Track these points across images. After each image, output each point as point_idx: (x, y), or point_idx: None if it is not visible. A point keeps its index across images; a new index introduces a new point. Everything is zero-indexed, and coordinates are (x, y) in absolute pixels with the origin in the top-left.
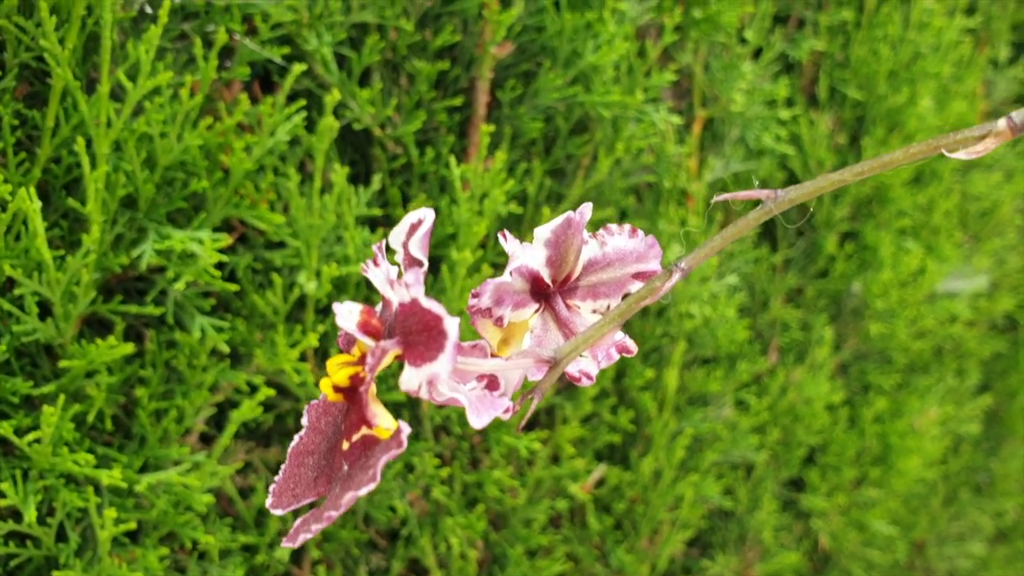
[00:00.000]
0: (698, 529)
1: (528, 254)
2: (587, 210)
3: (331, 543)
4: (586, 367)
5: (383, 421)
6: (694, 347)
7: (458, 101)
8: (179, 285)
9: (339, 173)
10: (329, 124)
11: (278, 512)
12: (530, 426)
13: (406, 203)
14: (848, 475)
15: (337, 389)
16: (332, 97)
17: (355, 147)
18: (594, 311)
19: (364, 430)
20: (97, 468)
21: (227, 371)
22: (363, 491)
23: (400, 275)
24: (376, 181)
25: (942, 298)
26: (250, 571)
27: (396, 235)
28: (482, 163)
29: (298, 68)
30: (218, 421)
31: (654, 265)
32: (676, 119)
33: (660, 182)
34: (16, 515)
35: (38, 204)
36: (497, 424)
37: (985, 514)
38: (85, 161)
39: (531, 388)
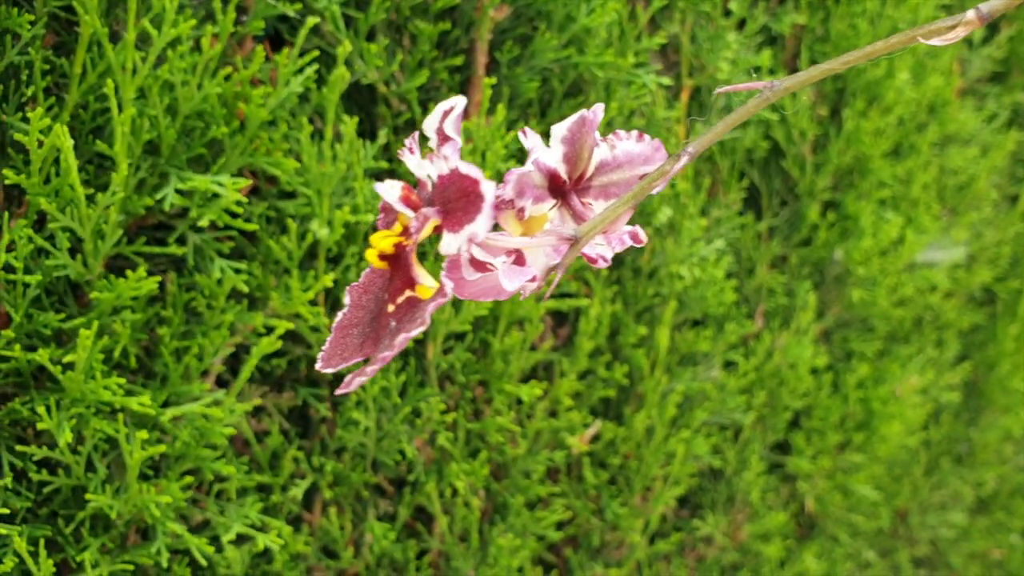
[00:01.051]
0: (689, 487)
1: (547, 149)
2: (599, 110)
3: (341, 486)
4: (602, 251)
5: (426, 280)
6: (684, 308)
7: (459, 61)
8: (203, 222)
9: (348, 125)
10: (341, 75)
11: (328, 370)
12: (528, 378)
13: None
14: (832, 439)
15: (382, 257)
16: (344, 48)
17: (359, 105)
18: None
19: (408, 292)
20: (127, 396)
21: (245, 313)
22: (415, 332)
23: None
24: (382, 136)
25: (921, 268)
26: (264, 511)
27: (430, 122)
28: (484, 118)
29: (312, 21)
30: (232, 366)
31: (659, 166)
32: (667, 80)
33: None
34: (49, 445)
35: (71, 142)
36: (499, 373)
37: (966, 484)
38: (113, 104)
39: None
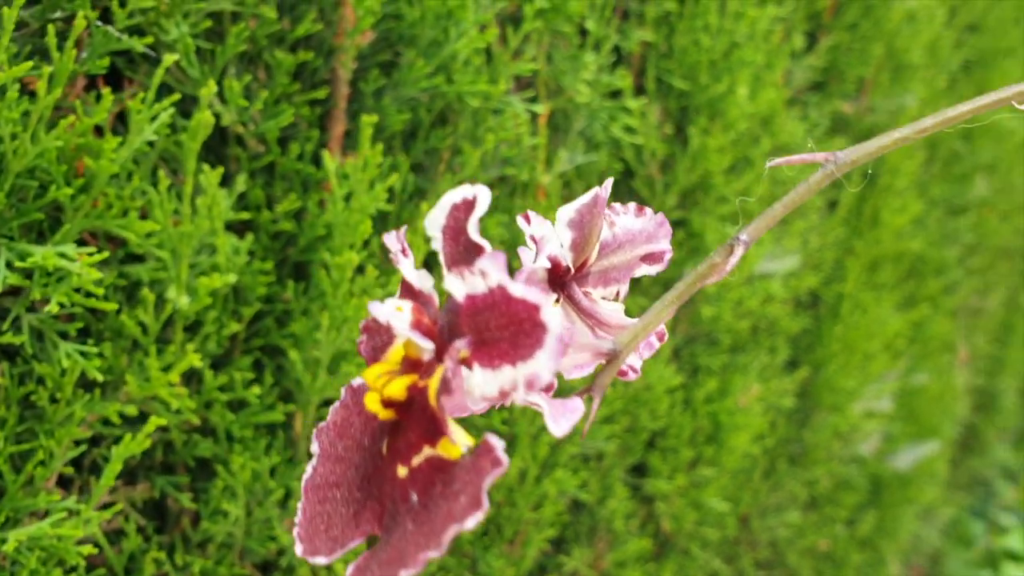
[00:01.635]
0: (560, 526)
1: (556, 238)
2: (608, 185)
3: None
4: (631, 360)
5: (458, 436)
6: None
7: (322, 94)
8: (51, 307)
9: (211, 175)
10: (204, 120)
11: (320, 561)
12: None
13: (270, 205)
14: (685, 456)
15: (388, 404)
16: (208, 89)
17: (208, 147)
18: (603, 298)
19: (427, 451)
20: None
21: (97, 402)
22: (469, 522)
23: (453, 264)
24: (241, 182)
25: (760, 279)
26: None
27: (435, 220)
28: (362, 157)
29: (170, 58)
30: (76, 461)
31: (664, 245)
32: (540, 108)
33: (517, 175)
34: None
35: None
36: None
37: (799, 483)
38: None
39: (581, 388)
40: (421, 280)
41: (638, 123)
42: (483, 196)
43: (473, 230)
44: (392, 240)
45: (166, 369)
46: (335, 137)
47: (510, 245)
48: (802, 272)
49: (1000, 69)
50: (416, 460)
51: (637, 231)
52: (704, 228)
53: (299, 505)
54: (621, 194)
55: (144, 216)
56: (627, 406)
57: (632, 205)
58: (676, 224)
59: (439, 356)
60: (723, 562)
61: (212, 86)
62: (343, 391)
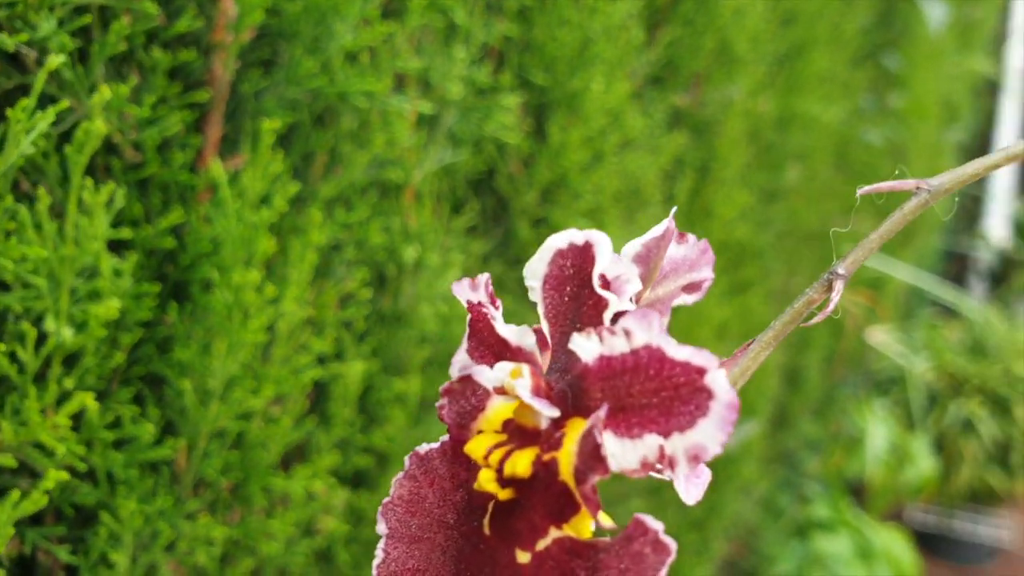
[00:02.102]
0: None
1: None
2: (673, 213)
3: None
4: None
5: (599, 515)
6: (435, 349)
7: (204, 96)
8: None
9: (101, 194)
10: (94, 130)
11: None
12: (287, 463)
13: (149, 219)
14: None
15: (508, 482)
16: (101, 95)
17: None
18: None
19: (555, 532)
20: None
21: None
22: None
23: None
24: (120, 197)
25: None
26: None
27: (535, 269)
28: (261, 165)
29: (56, 60)
30: None
31: (706, 273)
32: (426, 107)
33: (390, 177)
34: None
35: None
36: (260, 465)
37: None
38: None
39: None
40: (521, 337)
41: (513, 120)
42: (602, 243)
43: (598, 283)
44: (465, 289)
45: (46, 411)
46: (211, 143)
47: (390, 251)
48: None
49: (809, 60)
50: (542, 544)
51: (680, 259)
52: (563, 224)
53: None
54: (483, 193)
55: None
56: None
57: (669, 229)
58: (538, 222)
59: (558, 424)
60: None
61: (105, 91)
62: (407, 461)
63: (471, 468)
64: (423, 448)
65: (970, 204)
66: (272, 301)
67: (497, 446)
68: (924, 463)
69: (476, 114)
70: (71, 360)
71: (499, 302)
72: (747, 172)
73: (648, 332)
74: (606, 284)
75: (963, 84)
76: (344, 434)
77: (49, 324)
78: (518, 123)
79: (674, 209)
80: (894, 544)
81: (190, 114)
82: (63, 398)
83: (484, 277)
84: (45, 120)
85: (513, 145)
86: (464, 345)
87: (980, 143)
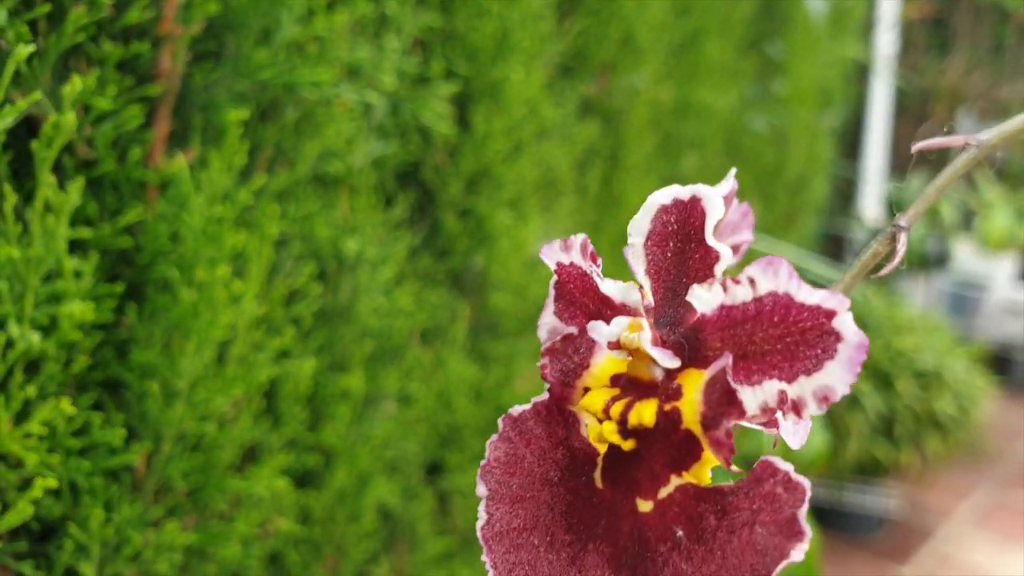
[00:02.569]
0: (378, 537)
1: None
2: (734, 174)
3: None
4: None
5: (723, 452)
6: (376, 344)
7: (157, 89)
8: None
9: (69, 193)
10: (64, 124)
11: None
12: (239, 465)
13: (103, 218)
14: (476, 448)
15: (632, 433)
16: (72, 87)
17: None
18: None
19: (676, 479)
20: None
21: None
22: (796, 554)
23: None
24: (75, 194)
25: (539, 263)
26: None
27: (638, 225)
28: (226, 158)
29: (24, 51)
30: None
31: (747, 235)
32: (373, 97)
33: (332, 170)
34: None
35: None
36: (220, 469)
37: None
38: None
39: None
40: (627, 293)
41: (445, 109)
42: (710, 196)
43: (710, 235)
44: (555, 251)
45: (20, 420)
46: (160, 138)
47: (334, 245)
48: None
49: (703, 50)
50: (664, 492)
51: (726, 222)
52: (489, 215)
53: (484, 558)
54: (410, 185)
55: None
56: (435, 405)
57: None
58: (464, 213)
59: (672, 376)
60: None
61: (77, 82)
62: (501, 423)
63: (570, 426)
64: (516, 410)
65: (844, 186)
66: (236, 298)
67: (615, 399)
68: (815, 438)
69: (410, 104)
70: (32, 366)
71: (600, 261)
72: (651, 160)
73: (775, 280)
74: (712, 240)
75: (836, 70)
76: (295, 433)
77: (12, 329)
78: (445, 113)
79: (733, 170)
80: None
81: (142, 108)
82: (27, 406)
83: (579, 238)
84: (12, 114)
85: (438, 136)
86: (550, 307)
87: (853, 127)
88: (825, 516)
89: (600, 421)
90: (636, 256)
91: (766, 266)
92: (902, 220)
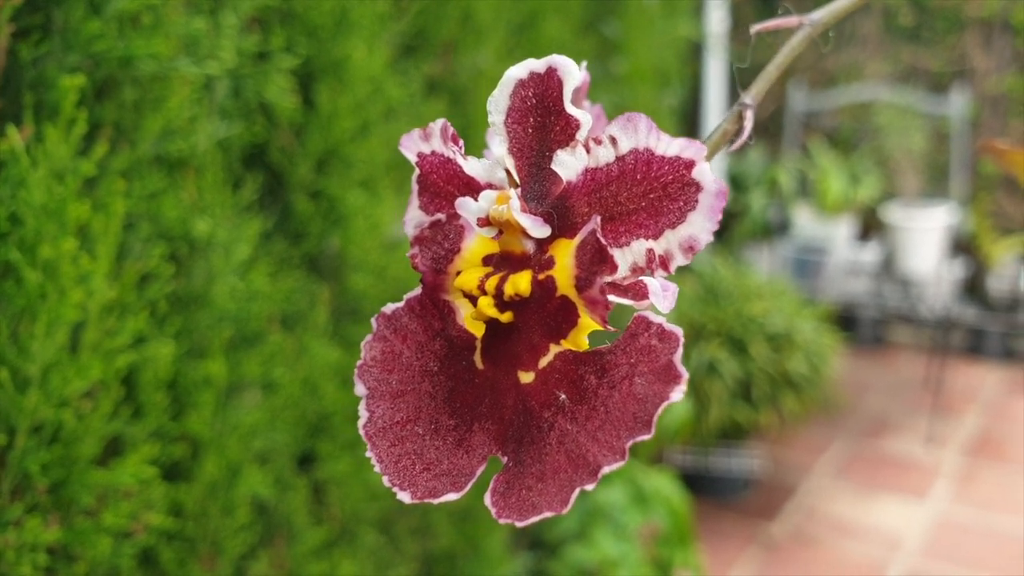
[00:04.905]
0: (254, 530)
1: None
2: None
3: None
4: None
5: (599, 310)
6: (236, 328)
7: None
8: None
9: None
10: None
11: (451, 497)
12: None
13: None
14: (348, 435)
15: (507, 305)
16: None
17: None
18: None
19: (555, 348)
20: None
21: None
22: (675, 394)
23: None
24: None
25: (397, 245)
26: None
27: (498, 102)
28: (63, 127)
29: None
30: None
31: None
32: (214, 67)
33: (175, 150)
34: None
35: None
36: (82, 462)
37: None
38: None
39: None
40: (491, 172)
41: (288, 83)
42: (564, 64)
43: (568, 104)
44: (415, 142)
45: None
46: None
47: (183, 226)
48: None
49: (542, 29)
50: (544, 361)
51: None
52: (342, 196)
53: (369, 454)
54: (257, 168)
55: None
56: (301, 392)
57: (588, 85)
58: (315, 195)
59: (543, 248)
60: (382, 535)
61: None
62: (374, 322)
63: (446, 316)
64: (389, 308)
65: None
66: (84, 277)
67: (489, 276)
68: (680, 407)
69: (252, 81)
70: None
71: (461, 142)
72: None
73: (635, 136)
74: (570, 107)
75: (672, 50)
76: (158, 423)
77: None
78: (291, 90)
79: (585, 62)
80: (664, 486)
81: None
82: None
83: (439, 123)
84: None
85: (284, 117)
86: (414, 202)
87: (691, 106)
88: (693, 483)
89: (475, 300)
90: (499, 135)
91: (626, 123)
92: (747, 98)
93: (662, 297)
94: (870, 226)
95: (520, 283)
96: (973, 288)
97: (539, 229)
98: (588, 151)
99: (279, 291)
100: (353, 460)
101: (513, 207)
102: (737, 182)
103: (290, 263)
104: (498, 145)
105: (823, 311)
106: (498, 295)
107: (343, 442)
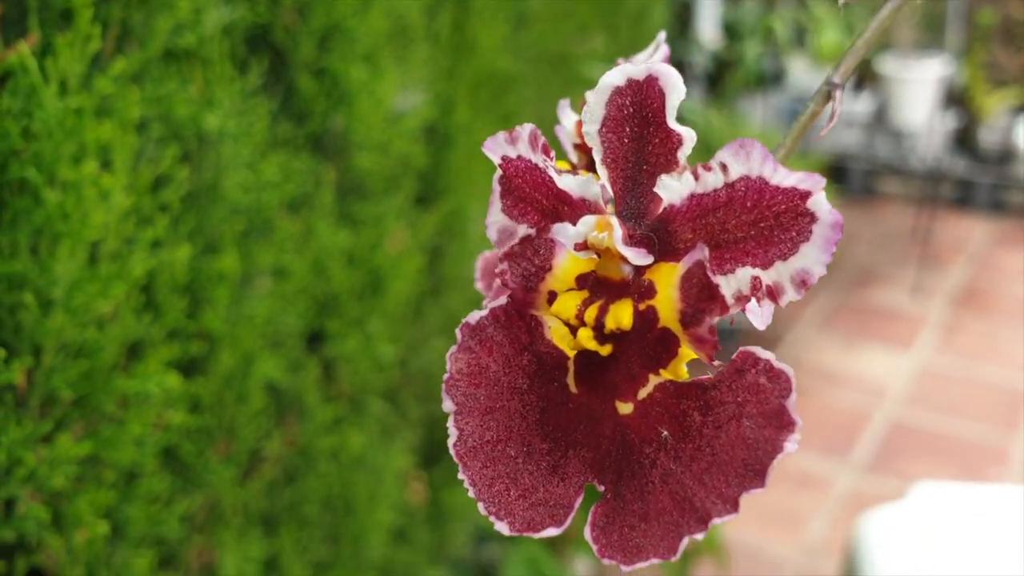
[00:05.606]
0: (267, 414)
1: None
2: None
3: None
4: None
5: (706, 349)
6: (248, 220)
7: None
8: None
9: None
10: None
11: (550, 532)
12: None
13: None
14: (354, 313)
15: (607, 338)
16: None
17: None
18: None
19: (655, 378)
20: None
21: None
22: (790, 445)
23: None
24: None
25: (399, 118)
26: None
27: (592, 112)
28: (81, 41)
29: None
30: None
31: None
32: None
33: (184, 43)
34: None
35: None
36: (106, 372)
37: (440, 313)
38: None
39: None
40: (585, 188)
41: None
42: (667, 74)
43: (671, 118)
44: (500, 144)
45: None
46: None
47: (194, 122)
48: (422, 106)
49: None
50: (643, 392)
51: None
52: (343, 73)
53: (461, 476)
54: (260, 50)
55: None
56: (310, 275)
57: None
58: (318, 73)
59: (641, 272)
60: (390, 404)
61: None
62: (459, 333)
63: (533, 330)
64: (473, 317)
65: (682, 11)
66: (105, 195)
67: (586, 303)
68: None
69: None
70: None
71: (553, 153)
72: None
73: (747, 163)
74: (673, 122)
75: None
76: (176, 323)
77: None
78: None
79: (663, 33)
80: None
81: None
82: None
83: (527, 129)
84: None
85: None
86: (497, 204)
87: None
88: None
89: (574, 329)
90: (593, 144)
91: (738, 149)
92: (836, 77)
93: (759, 316)
94: (864, 77)
95: (622, 317)
96: (964, 140)
97: (643, 259)
98: (696, 178)
99: (289, 178)
100: (361, 337)
101: (616, 238)
102: (731, 31)
103: (295, 145)
104: (588, 153)
105: (816, 162)
106: (598, 327)
107: (350, 319)
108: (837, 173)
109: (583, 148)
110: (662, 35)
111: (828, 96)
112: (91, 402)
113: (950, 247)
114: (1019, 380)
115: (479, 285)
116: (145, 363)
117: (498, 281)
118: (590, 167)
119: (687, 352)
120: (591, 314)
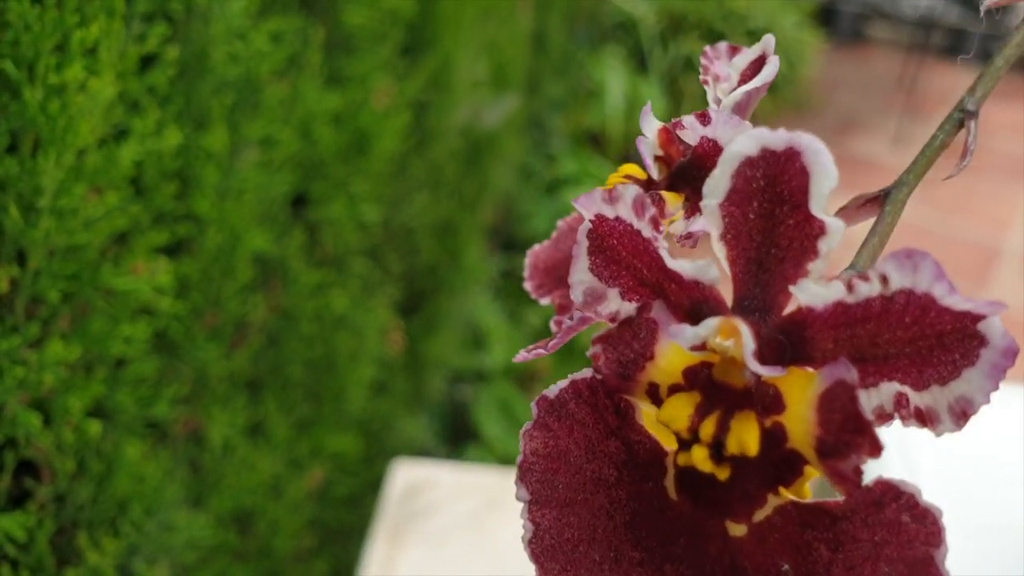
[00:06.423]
0: (253, 285)
1: None
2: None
3: None
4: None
5: (848, 487)
6: (237, 94)
7: None
8: None
9: None
10: None
11: None
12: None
13: None
14: (340, 174)
15: (726, 459)
16: None
17: None
18: None
19: (774, 499)
20: None
21: None
22: None
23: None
24: None
25: None
26: None
27: (716, 185)
28: None
29: None
30: None
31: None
32: None
33: None
34: None
35: None
36: (91, 266)
37: (423, 167)
38: None
39: None
40: (702, 272)
41: None
42: (814, 150)
43: (817, 205)
44: (595, 202)
45: None
46: None
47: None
48: None
49: None
50: (760, 514)
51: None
52: None
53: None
54: None
55: None
56: (296, 142)
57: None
58: None
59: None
60: (372, 262)
61: None
62: (535, 408)
63: (622, 412)
64: (552, 391)
65: None
66: (93, 96)
67: (701, 413)
68: (655, 105)
69: None
70: None
71: (663, 226)
72: None
73: (912, 277)
74: (819, 211)
75: None
76: (164, 207)
77: None
78: None
79: (770, 37)
80: None
81: None
82: None
83: (631, 190)
84: None
85: None
86: (583, 262)
87: None
88: None
89: (686, 444)
90: (712, 219)
91: (904, 261)
92: (970, 103)
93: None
94: None
95: (748, 440)
96: None
97: (775, 372)
98: (850, 289)
99: (280, 46)
100: (346, 200)
101: (747, 352)
102: None
103: (284, 4)
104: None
105: (807, 7)
106: (715, 445)
107: (335, 182)
108: (826, 15)
109: (665, 161)
110: (770, 40)
111: (960, 125)
112: (79, 299)
113: (935, 98)
114: (992, 236)
115: (528, 285)
116: (133, 251)
117: (568, 320)
118: (671, 185)
119: (814, 472)
120: (707, 430)
